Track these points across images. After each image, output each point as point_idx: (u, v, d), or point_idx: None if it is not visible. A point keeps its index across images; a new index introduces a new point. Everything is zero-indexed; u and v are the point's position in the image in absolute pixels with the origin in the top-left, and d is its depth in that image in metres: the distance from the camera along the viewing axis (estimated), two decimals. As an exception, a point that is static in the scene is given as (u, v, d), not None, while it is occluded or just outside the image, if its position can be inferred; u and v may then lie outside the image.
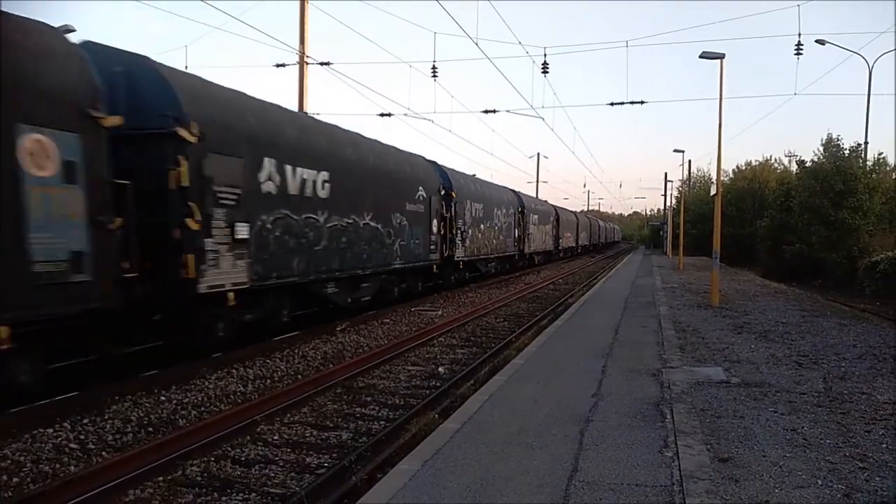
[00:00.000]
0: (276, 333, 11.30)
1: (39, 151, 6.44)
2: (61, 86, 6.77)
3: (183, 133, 8.27)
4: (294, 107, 18.17)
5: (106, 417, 6.95)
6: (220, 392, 8.17)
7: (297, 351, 10.63)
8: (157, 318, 8.80)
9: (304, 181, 11.20)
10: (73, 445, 6.17)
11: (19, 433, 6.27)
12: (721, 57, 15.87)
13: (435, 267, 18.95)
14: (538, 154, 65.59)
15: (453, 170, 21.50)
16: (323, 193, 11.84)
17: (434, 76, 20.35)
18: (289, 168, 10.73)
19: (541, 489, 4.45)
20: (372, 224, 14.12)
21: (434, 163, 20.00)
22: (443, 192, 19.34)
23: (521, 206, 30.28)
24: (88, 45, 7.87)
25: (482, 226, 23.34)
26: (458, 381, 9.02)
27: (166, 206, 8.32)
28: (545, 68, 20.97)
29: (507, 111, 50.29)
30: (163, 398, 7.76)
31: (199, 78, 9.69)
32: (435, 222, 18.65)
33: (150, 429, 6.76)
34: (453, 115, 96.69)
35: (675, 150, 41.74)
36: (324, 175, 11.86)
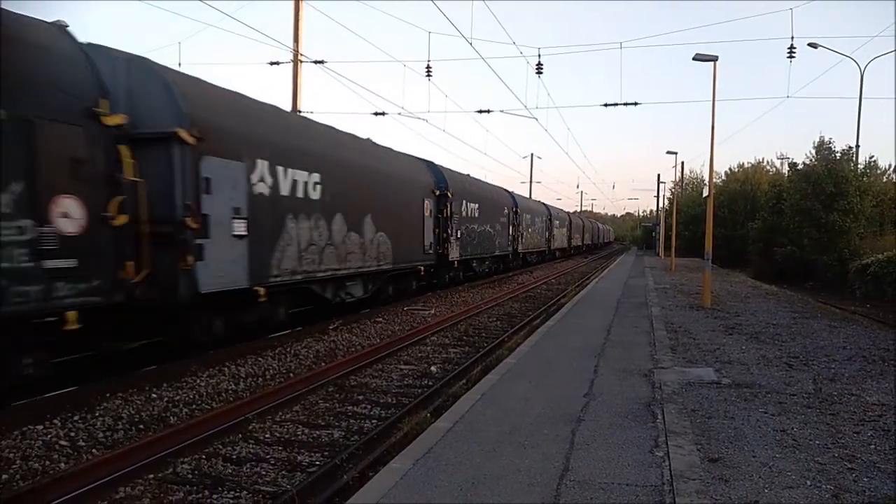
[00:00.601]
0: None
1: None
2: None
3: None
4: (287, 105, 18.14)
5: (97, 415, 6.92)
6: (211, 390, 8.16)
7: (289, 349, 10.61)
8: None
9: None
10: (63, 443, 6.14)
11: (9, 430, 6.24)
12: (714, 59, 15.94)
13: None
14: (531, 154, 65.65)
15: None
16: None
17: (428, 75, 20.35)
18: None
19: (532, 488, 4.46)
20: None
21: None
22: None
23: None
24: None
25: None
26: (451, 380, 9.03)
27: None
28: (539, 69, 20.99)
29: (501, 111, 50.28)
30: (154, 396, 7.73)
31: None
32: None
33: (142, 426, 6.74)
34: (447, 115, 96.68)
35: (668, 152, 42.01)
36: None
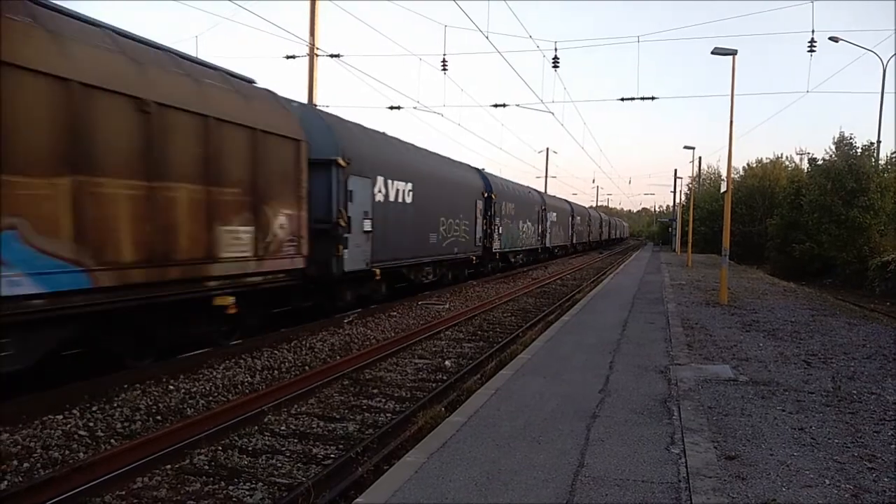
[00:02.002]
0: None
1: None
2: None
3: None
4: (304, 99, 18.21)
5: (115, 405, 7.00)
6: (227, 382, 8.22)
7: (304, 342, 10.66)
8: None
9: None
10: (82, 432, 6.22)
11: (29, 419, 6.33)
12: (734, 53, 15.75)
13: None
14: (547, 149, 65.36)
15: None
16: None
17: (444, 69, 20.30)
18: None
19: (547, 483, 4.45)
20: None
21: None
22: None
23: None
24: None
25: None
26: (465, 374, 9.03)
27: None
28: (556, 63, 20.90)
29: (517, 105, 49.89)
30: (171, 387, 7.80)
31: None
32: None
33: (159, 417, 6.81)
34: (462, 109, 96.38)
35: (686, 147, 41.53)
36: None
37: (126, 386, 7.59)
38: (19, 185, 6.08)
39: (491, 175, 24.54)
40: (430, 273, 18.10)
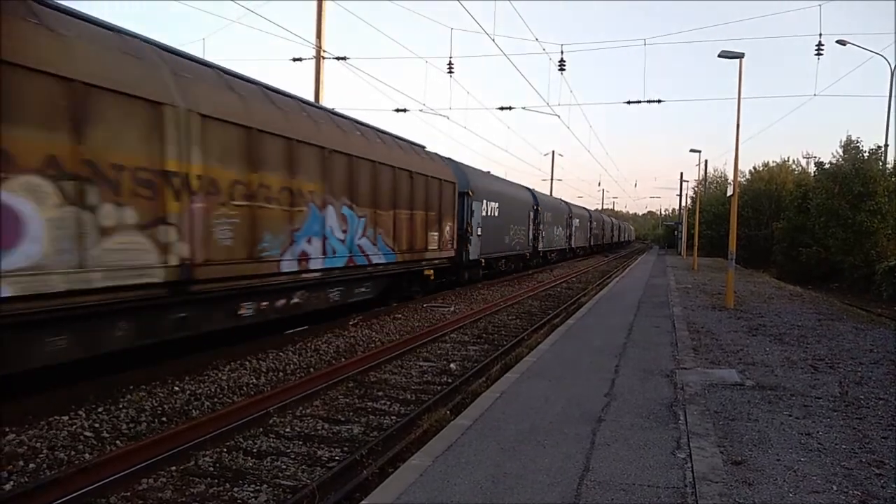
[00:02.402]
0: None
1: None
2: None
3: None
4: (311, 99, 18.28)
5: (120, 406, 7.02)
6: (233, 384, 8.23)
7: (309, 345, 10.67)
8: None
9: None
10: (87, 433, 6.23)
11: (36, 420, 6.35)
12: (740, 56, 15.72)
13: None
14: (553, 152, 65.32)
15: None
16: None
17: (450, 72, 20.32)
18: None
19: (552, 488, 4.44)
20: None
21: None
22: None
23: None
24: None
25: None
26: (470, 377, 9.02)
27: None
28: (562, 66, 20.86)
29: (524, 108, 50.04)
30: (176, 388, 7.82)
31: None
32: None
33: (164, 419, 6.82)
34: (469, 112, 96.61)
35: (692, 150, 41.48)
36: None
37: (132, 387, 7.61)
38: (381, 216, 13.24)
39: (538, 192, 34.12)
40: (503, 263, 25.86)
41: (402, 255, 14.35)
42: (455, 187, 18.12)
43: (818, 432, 5.85)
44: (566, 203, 43.58)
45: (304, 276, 10.47)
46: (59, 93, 6.18)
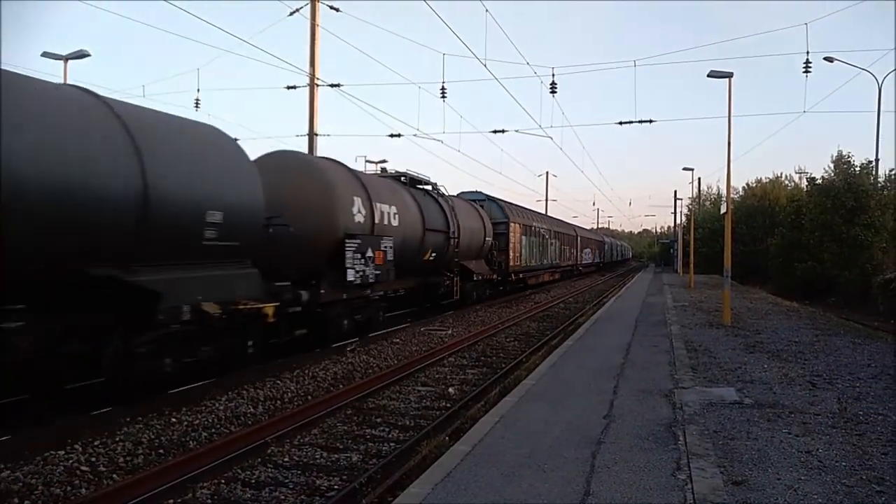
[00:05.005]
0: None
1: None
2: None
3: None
4: (304, 128, 18.50)
5: (117, 440, 6.96)
6: (230, 413, 8.18)
7: (307, 372, 10.63)
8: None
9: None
10: (84, 468, 6.17)
11: (31, 455, 6.29)
12: (729, 76, 15.93)
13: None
14: (547, 172, 65.85)
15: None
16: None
17: (443, 97, 20.51)
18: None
19: (552, 513, 4.41)
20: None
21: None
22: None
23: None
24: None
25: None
26: (469, 402, 8.99)
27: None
28: (553, 88, 21.09)
29: (516, 131, 50.41)
30: (174, 420, 7.76)
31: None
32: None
33: (161, 451, 6.76)
34: (462, 135, 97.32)
35: (685, 168, 41.84)
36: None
37: (128, 419, 7.56)
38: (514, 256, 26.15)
39: (578, 227, 50.18)
40: (550, 275, 34.94)
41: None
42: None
43: (818, 450, 5.84)
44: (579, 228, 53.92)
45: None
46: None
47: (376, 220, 13.47)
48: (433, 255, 17.31)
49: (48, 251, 6.75)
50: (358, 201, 12.82)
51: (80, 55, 20.63)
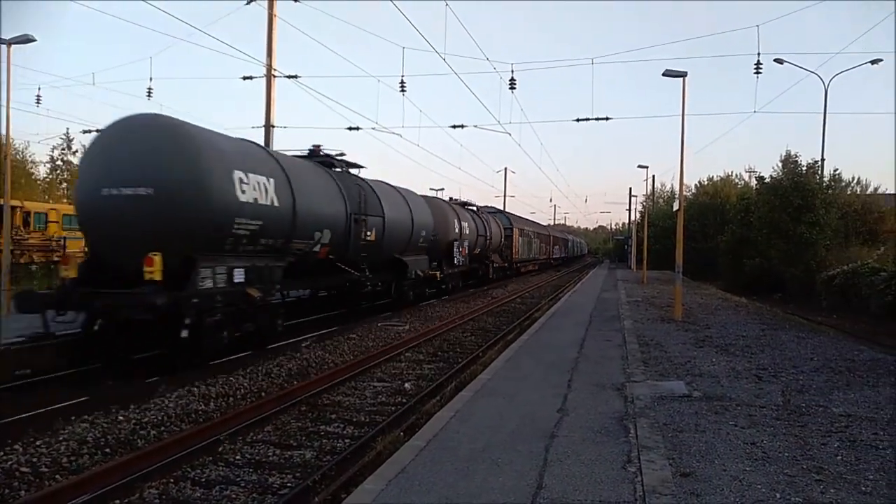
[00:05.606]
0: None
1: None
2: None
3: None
4: (261, 120, 18.20)
5: (61, 439, 6.73)
6: (180, 411, 7.99)
7: (260, 368, 10.46)
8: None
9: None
10: (24, 469, 5.96)
11: (-32, 457, 6.05)
12: (683, 75, 16.26)
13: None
14: (505, 169, 66.30)
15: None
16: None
17: (402, 91, 20.40)
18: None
19: (505, 507, 4.44)
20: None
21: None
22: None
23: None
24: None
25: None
26: (425, 397, 8.98)
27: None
28: (512, 84, 21.19)
29: (475, 126, 50.45)
30: (121, 418, 7.54)
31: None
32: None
33: (108, 450, 6.57)
34: (421, 130, 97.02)
35: (640, 166, 42.76)
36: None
37: (73, 418, 7.33)
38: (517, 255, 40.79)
39: (551, 227, 57.08)
40: (533, 265, 44.02)
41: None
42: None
43: (762, 441, 6.02)
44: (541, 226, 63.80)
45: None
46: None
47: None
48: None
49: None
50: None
51: (25, 40, 19.73)
